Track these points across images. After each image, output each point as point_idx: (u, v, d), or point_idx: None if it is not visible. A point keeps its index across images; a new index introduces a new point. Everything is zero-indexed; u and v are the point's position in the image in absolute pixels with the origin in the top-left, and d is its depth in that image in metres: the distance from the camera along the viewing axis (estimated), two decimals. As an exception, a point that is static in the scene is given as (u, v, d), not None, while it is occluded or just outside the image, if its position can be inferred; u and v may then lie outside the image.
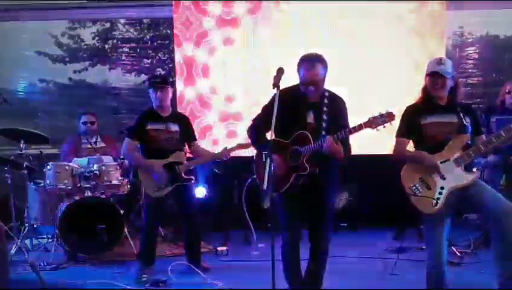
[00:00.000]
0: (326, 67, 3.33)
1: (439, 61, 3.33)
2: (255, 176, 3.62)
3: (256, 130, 3.56)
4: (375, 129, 3.20)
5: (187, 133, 4.58)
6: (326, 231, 3.48)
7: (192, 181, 4.48)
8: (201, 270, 4.41)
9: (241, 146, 4.52)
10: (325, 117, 3.33)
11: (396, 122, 3.34)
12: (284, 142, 3.37)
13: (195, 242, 4.66)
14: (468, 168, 3.25)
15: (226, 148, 4.57)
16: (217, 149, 5.19)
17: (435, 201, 3.23)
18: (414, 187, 3.31)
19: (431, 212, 3.26)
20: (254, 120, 3.62)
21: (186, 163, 4.44)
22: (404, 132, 3.45)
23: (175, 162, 4.39)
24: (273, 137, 2.96)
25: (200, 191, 5.82)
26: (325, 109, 3.34)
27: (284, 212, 3.43)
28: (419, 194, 3.28)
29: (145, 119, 4.48)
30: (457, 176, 3.23)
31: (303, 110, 3.37)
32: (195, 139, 4.71)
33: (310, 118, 3.37)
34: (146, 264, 4.43)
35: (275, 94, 3.05)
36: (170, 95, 4.51)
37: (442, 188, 3.24)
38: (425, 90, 3.40)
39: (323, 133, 3.28)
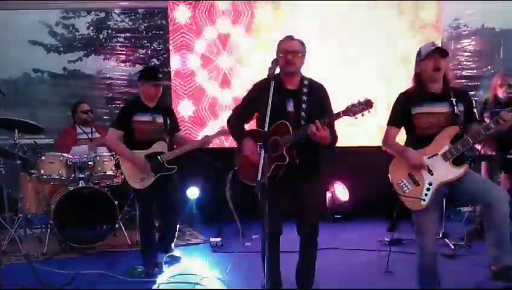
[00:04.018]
0: (305, 49, 3.33)
1: (434, 44, 3.27)
2: (236, 168, 3.54)
3: (237, 120, 3.51)
4: (354, 117, 3.15)
5: (171, 124, 4.53)
6: (312, 223, 3.43)
7: (175, 170, 4.40)
8: (172, 260, 4.49)
9: (222, 133, 4.56)
10: (304, 106, 3.28)
11: (382, 111, 3.36)
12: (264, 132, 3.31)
13: (171, 232, 4.64)
14: (458, 161, 3.20)
15: (206, 135, 4.57)
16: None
17: (422, 198, 3.19)
18: (402, 184, 3.26)
19: (419, 209, 3.22)
20: (234, 110, 3.60)
21: (168, 153, 4.39)
22: (394, 121, 3.37)
23: (157, 152, 4.37)
24: (266, 127, 2.89)
25: (193, 192, 5.85)
26: (304, 97, 3.30)
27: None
28: (407, 191, 3.23)
29: (131, 109, 4.42)
30: (446, 171, 3.19)
31: (282, 98, 3.29)
32: (179, 130, 4.73)
33: (290, 107, 3.31)
34: (148, 257, 4.33)
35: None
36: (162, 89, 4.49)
37: (430, 183, 3.20)
38: (418, 77, 3.31)
39: (303, 122, 3.23)
